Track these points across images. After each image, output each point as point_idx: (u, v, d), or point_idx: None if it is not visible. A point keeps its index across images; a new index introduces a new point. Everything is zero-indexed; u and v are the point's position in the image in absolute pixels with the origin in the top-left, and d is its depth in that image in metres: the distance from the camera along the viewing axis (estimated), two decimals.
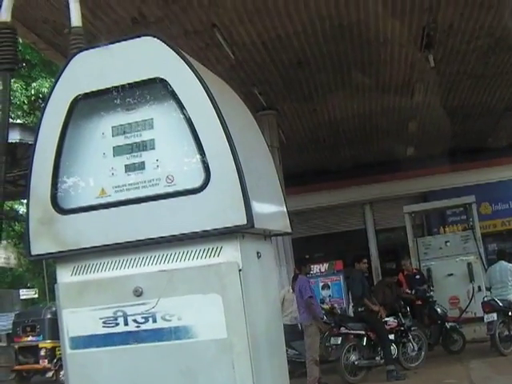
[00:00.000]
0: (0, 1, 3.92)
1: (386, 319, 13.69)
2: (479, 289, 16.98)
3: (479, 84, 16.03)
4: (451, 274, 17.62)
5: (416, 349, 13.78)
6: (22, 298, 32.84)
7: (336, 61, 13.50)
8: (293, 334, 12.92)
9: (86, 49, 3.22)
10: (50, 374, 16.95)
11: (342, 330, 13.28)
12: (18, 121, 26.56)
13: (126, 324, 3.01)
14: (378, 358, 13.21)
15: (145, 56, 3.06)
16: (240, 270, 2.88)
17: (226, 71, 12.67)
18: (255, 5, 10.66)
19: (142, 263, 3.01)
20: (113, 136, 3.11)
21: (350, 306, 16.16)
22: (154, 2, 10.26)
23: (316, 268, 18.89)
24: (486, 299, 14.91)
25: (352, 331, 13.25)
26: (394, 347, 13.44)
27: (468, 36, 12.77)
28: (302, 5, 10.83)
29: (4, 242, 31.45)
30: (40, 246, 3.12)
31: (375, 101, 16.59)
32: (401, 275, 16.77)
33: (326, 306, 14.78)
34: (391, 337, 13.48)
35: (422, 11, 11.35)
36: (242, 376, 2.86)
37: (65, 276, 3.16)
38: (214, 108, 2.91)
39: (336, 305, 16.79)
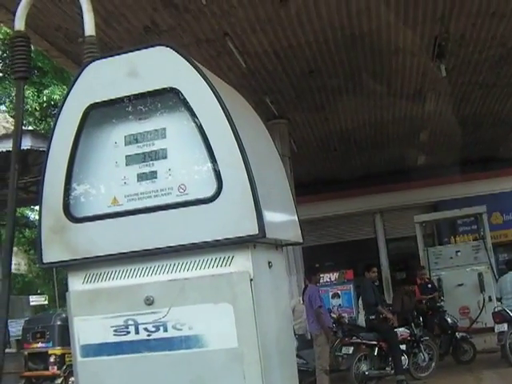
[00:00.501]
0: (14, 9, 3.94)
1: (399, 329, 13.66)
2: (490, 299, 16.94)
3: (491, 94, 16.01)
4: (462, 284, 17.59)
5: (427, 359, 13.74)
6: (31, 304, 32.91)
7: (348, 70, 13.50)
8: (301, 343, 12.90)
9: (100, 58, 3.23)
10: (59, 381, 16.91)
11: (354, 339, 13.26)
12: (30, 127, 26.63)
13: (137, 332, 3.01)
14: (388, 369, 13.19)
15: (158, 65, 3.07)
16: (251, 280, 2.87)
17: (237, 80, 12.70)
18: (267, 14, 10.69)
19: (154, 272, 3.01)
20: (125, 145, 3.12)
21: (360, 316, 16.13)
22: (167, 10, 10.30)
23: (326, 277, 18.85)
24: (496, 309, 14.86)
25: (364, 341, 13.22)
26: (404, 357, 13.41)
27: (480, 46, 12.76)
28: (314, 14, 10.85)
29: (15, 249, 31.55)
30: (52, 253, 3.13)
31: (387, 110, 16.58)
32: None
33: (333, 315, 14.75)
34: (402, 347, 13.45)
35: (434, 21, 11.35)
36: None
37: (76, 284, 3.16)
38: (227, 117, 2.92)
39: (345, 314, 16.78)
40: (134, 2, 10.04)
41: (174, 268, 2.98)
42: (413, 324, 13.88)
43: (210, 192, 2.90)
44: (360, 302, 16.48)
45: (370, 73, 13.71)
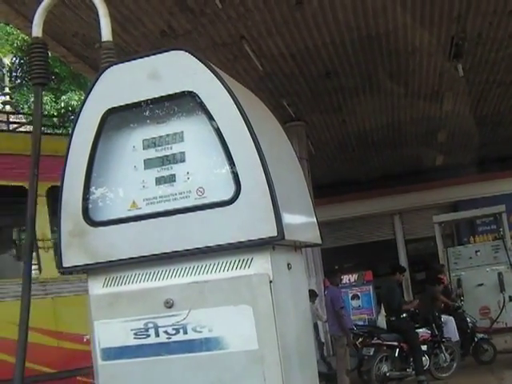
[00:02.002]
0: (31, 16, 3.97)
1: (420, 330, 13.62)
2: (510, 299, 16.84)
3: (509, 92, 15.96)
4: (482, 284, 17.48)
5: (448, 359, 13.68)
6: None
7: (364, 71, 13.49)
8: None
9: (117, 63, 3.25)
10: None
11: (375, 340, 13.22)
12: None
13: (157, 335, 3.02)
14: (409, 370, 13.13)
15: (175, 69, 3.08)
16: (271, 282, 2.88)
17: (254, 83, 12.71)
18: (283, 17, 10.70)
19: (173, 275, 3.02)
20: (144, 149, 3.13)
21: (380, 317, 16.08)
22: (183, 14, 10.34)
23: (345, 278, 18.81)
24: None
25: (385, 342, 13.18)
26: (425, 358, 13.35)
27: (497, 45, 12.73)
28: (331, 16, 10.85)
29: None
30: (72, 258, 3.14)
31: (404, 110, 16.57)
32: None
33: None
34: (424, 348, 13.39)
35: (451, 21, 11.33)
36: None
37: (96, 288, 3.17)
38: (244, 120, 2.92)
39: (366, 315, 16.73)
40: (150, 6, 10.08)
41: (194, 271, 2.99)
42: (434, 325, 13.83)
43: (228, 195, 2.90)
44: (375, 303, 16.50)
45: (387, 73, 13.70)
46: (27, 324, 3.64)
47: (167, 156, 3.10)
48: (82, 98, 3.32)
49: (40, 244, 8.59)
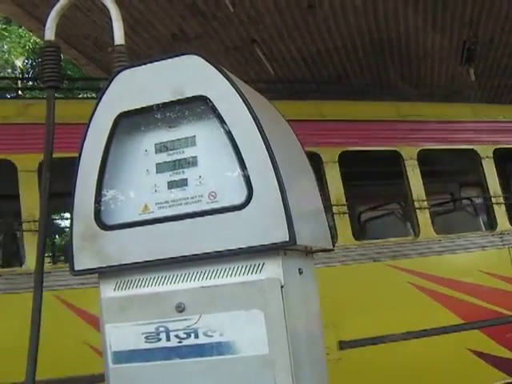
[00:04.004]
0: (44, 19, 3.99)
1: None
2: None
3: None
4: None
5: None
6: None
7: (376, 75, 13.49)
8: None
9: (129, 67, 3.26)
10: None
11: None
12: None
13: (168, 339, 3.02)
14: None
15: (187, 74, 3.08)
16: (282, 287, 2.87)
17: (266, 86, 12.72)
18: (295, 20, 10.72)
19: (185, 279, 3.02)
20: (156, 153, 3.14)
21: None
22: (194, 18, 10.38)
23: None
24: None
25: None
26: None
27: (509, 49, 12.73)
28: (342, 20, 10.87)
29: None
30: (83, 261, 3.14)
31: None
32: None
33: None
34: None
35: (463, 25, 11.34)
36: None
37: (108, 291, 3.18)
38: (256, 124, 2.92)
39: None
40: (161, 10, 10.12)
41: (205, 275, 2.99)
42: None
43: (240, 199, 2.90)
44: None
45: (399, 78, 13.69)
46: (39, 324, 3.65)
47: (179, 160, 3.10)
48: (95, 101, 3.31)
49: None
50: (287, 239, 2.83)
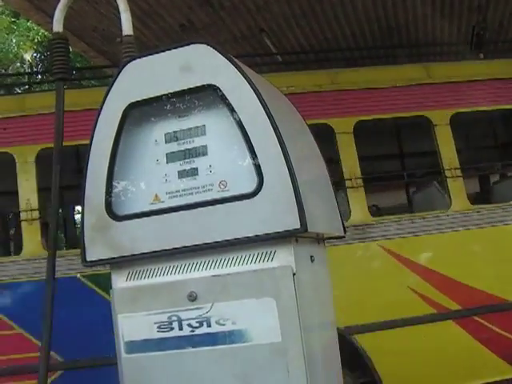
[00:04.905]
0: (51, 12, 3.99)
1: None
2: None
3: None
4: None
5: None
6: None
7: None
8: None
9: (138, 57, 3.25)
10: None
11: None
12: None
13: (181, 328, 3.02)
14: None
15: (196, 63, 3.08)
16: (294, 274, 2.87)
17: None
18: (302, 9, 10.68)
19: (196, 268, 3.03)
20: (166, 143, 3.14)
21: None
22: (202, 8, 10.34)
23: None
24: None
25: None
26: None
27: None
28: (350, 7, 10.82)
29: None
30: (95, 252, 3.15)
31: None
32: None
33: None
34: None
35: (471, 10, 11.26)
36: (296, 380, 2.85)
37: (120, 281, 3.19)
38: (266, 112, 2.92)
39: None
40: (168, 0, 10.09)
41: (217, 264, 3.00)
42: None
43: (250, 187, 2.90)
44: None
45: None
46: (51, 319, 3.66)
47: (189, 149, 3.10)
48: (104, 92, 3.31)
49: None
50: (299, 226, 2.83)
